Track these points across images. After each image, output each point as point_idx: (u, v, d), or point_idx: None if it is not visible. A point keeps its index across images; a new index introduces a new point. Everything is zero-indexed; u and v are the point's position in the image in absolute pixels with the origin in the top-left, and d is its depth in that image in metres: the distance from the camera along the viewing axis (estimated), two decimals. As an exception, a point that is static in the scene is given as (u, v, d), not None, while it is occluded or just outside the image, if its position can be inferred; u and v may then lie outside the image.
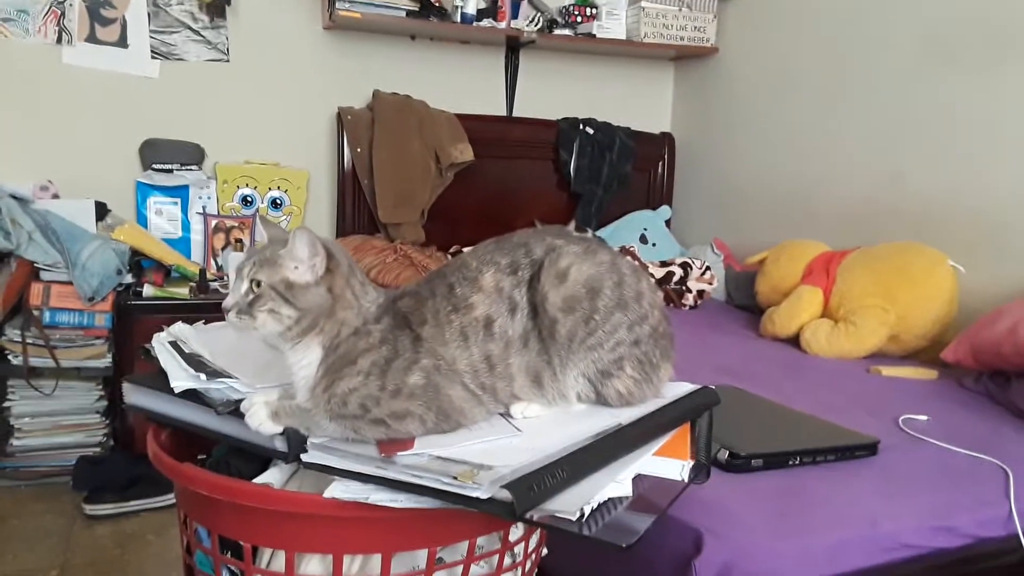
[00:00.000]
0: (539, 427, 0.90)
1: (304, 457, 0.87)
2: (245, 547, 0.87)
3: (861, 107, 2.65)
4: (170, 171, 2.78)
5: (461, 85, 3.20)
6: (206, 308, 2.55)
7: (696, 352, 2.00)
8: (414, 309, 0.91)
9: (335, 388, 0.87)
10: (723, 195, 3.30)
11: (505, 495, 0.72)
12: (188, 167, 2.81)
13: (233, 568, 0.91)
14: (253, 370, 1.00)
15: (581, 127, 3.30)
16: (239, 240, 2.79)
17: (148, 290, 2.54)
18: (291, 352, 0.91)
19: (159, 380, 1.01)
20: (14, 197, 2.47)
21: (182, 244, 2.81)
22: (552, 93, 3.35)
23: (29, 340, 2.37)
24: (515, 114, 3.31)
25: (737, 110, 3.23)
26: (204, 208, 2.83)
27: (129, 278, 2.55)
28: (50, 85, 2.69)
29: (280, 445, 0.89)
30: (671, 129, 3.58)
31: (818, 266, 2.38)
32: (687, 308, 2.70)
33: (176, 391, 0.96)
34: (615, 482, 0.79)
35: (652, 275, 2.73)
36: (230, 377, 0.97)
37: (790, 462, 1.23)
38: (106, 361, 2.46)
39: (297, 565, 0.86)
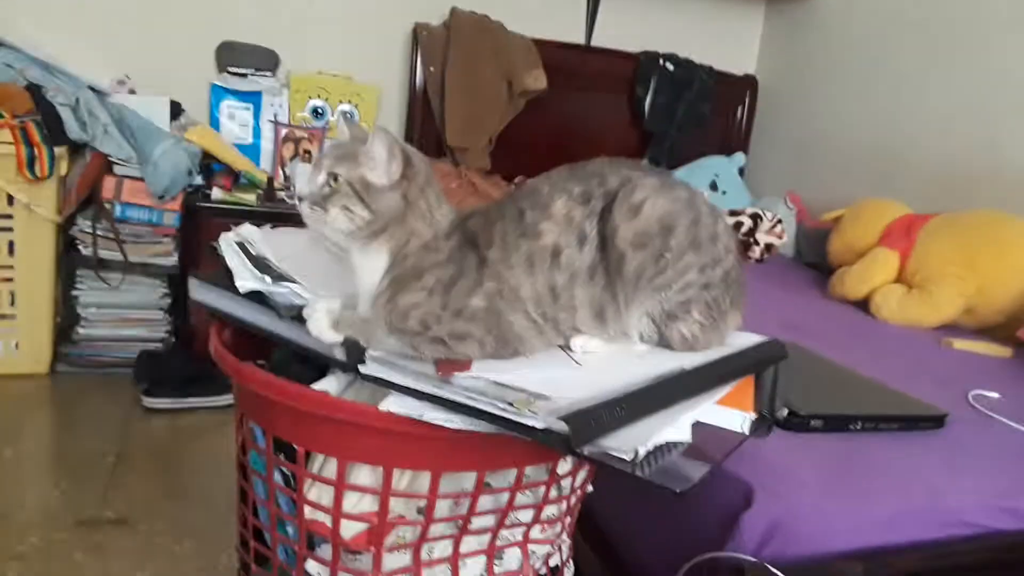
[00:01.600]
0: (599, 363, 0.87)
1: (362, 368, 0.86)
2: (298, 451, 0.88)
3: (962, 65, 2.48)
4: (245, 76, 2.78)
5: (541, 6, 3.10)
6: (272, 216, 2.58)
7: (761, 305, 1.92)
8: (482, 230, 0.88)
9: (397, 300, 0.86)
10: (803, 146, 3.17)
11: (561, 427, 0.71)
12: (262, 73, 2.80)
13: (285, 470, 0.92)
14: (317, 278, 0.99)
15: (661, 63, 3.18)
16: (307, 152, 2.79)
17: (216, 193, 2.57)
18: (357, 254, 0.89)
19: (224, 278, 1.01)
20: (92, 89, 2.50)
21: (252, 150, 2.82)
22: (634, 23, 3.22)
23: (99, 232, 2.43)
24: (594, 43, 3.20)
25: (828, 57, 3.07)
26: (276, 116, 2.82)
27: (199, 180, 2.58)
28: (132, -21, 2.70)
29: (339, 354, 0.89)
30: (755, 72, 3.43)
31: (898, 229, 2.27)
32: (753, 261, 2.62)
33: (241, 291, 0.97)
34: (674, 426, 0.77)
35: (720, 223, 2.65)
36: (294, 282, 0.97)
37: (851, 426, 1.19)
38: (172, 259, 2.51)
39: (348, 473, 0.86)
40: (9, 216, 2.31)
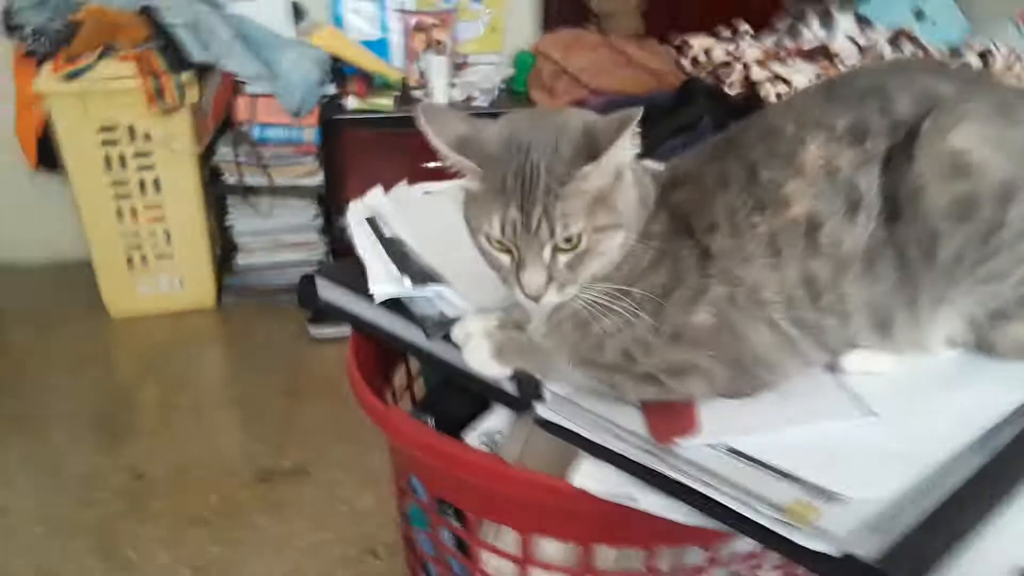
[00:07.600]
0: (895, 398, 0.58)
1: (539, 411, 0.63)
2: (468, 518, 0.67)
3: None
4: (363, -39, 2.49)
5: None
6: (410, 121, 2.36)
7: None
8: (697, 207, 0.59)
9: (590, 324, 0.60)
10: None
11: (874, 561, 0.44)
12: (381, -45, 2.50)
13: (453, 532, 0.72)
14: (468, 265, 0.74)
15: None
16: (440, 41, 2.50)
17: (352, 102, 2.37)
18: None
19: (357, 275, 0.79)
20: (206, 2, 2.31)
21: (380, 47, 2.57)
22: None
23: (241, 159, 2.31)
24: None
25: None
26: (403, 3, 2.54)
27: (332, 88, 2.38)
28: None
29: (508, 388, 0.66)
30: None
31: None
32: (988, 112, 2.11)
33: (376, 299, 0.75)
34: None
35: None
36: (440, 282, 0.74)
37: None
38: (318, 179, 2.37)
39: (532, 546, 0.65)
40: (148, 154, 2.22)
